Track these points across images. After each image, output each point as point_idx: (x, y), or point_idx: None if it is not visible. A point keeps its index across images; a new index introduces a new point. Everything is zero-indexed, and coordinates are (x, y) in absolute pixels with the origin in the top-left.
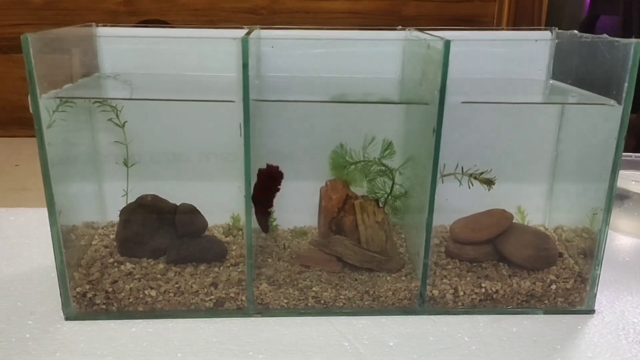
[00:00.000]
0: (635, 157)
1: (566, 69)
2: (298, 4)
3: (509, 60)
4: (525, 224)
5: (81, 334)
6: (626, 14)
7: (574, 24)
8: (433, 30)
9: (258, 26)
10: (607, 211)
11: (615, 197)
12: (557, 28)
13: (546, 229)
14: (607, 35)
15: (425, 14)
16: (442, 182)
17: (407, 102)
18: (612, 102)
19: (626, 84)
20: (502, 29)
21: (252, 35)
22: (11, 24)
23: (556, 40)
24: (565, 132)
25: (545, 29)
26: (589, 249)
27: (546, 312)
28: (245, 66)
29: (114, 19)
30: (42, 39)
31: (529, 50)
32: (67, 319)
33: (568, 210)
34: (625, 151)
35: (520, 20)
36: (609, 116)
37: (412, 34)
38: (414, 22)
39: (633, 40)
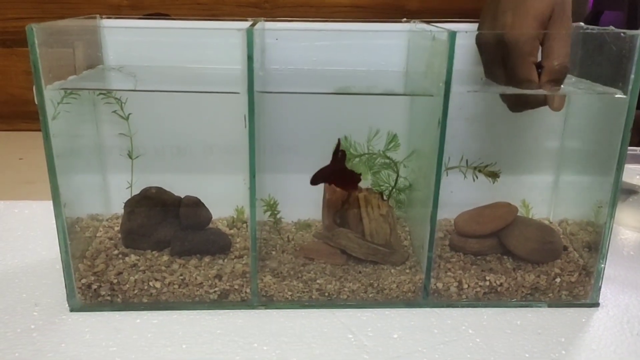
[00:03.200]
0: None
1: (572, 61)
2: None
3: None
4: (530, 217)
5: (86, 325)
6: (631, 9)
7: (578, 19)
8: (438, 23)
9: (262, 18)
10: (612, 205)
11: (621, 191)
12: None
13: (551, 222)
14: (613, 27)
15: (429, 7)
16: (447, 175)
17: (412, 94)
18: (618, 92)
19: (632, 76)
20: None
21: (257, 27)
22: (14, 17)
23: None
24: (570, 124)
25: None
26: (594, 243)
27: (550, 306)
28: (250, 58)
29: (117, 13)
30: (47, 29)
31: None
32: (72, 310)
33: (573, 203)
34: (629, 146)
35: None
36: (614, 108)
37: (417, 26)
38: (418, 16)
39: (639, 31)
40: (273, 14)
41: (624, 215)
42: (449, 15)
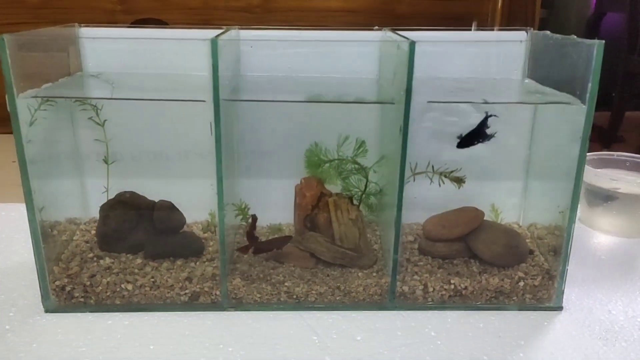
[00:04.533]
0: (617, 155)
1: (540, 68)
2: (292, 2)
3: (487, 60)
4: (499, 221)
5: (59, 326)
6: (632, 10)
7: (580, 21)
8: (420, 31)
9: (237, 26)
10: (573, 209)
11: (596, 196)
12: (532, 28)
13: (520, 227)
14: (575, 36)
15: (419, 12)
16: (414, 181)
17: (375, 102)
18: (577, 101)
19: (590, 84)
20: (482, 29)
21: (231, 35)
22: (8, 22)
23: (530, 41)
24: (537, 131)
25: (521, 29)
26: (559, 246)
27: (515, 309)
28: (215, 67)
29: (110, 18)
30: (20, 39)
31: (505, 51)
32: (46, 311)
33: (541, 208)
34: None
35: (515, 18)
36: (575, 116)
37: (387, 34)
38: (408, 21)
39: (596, 41)
40: (264, 19)
41: (598, 219)
42: (438, 19)
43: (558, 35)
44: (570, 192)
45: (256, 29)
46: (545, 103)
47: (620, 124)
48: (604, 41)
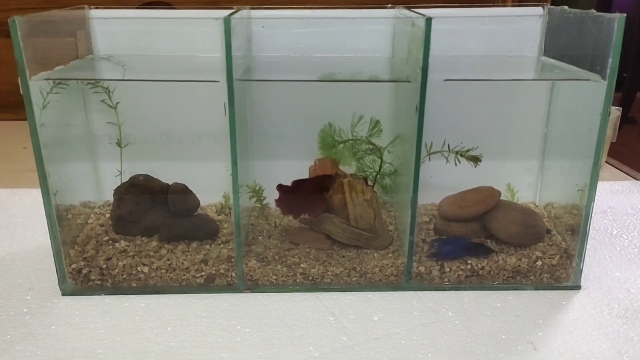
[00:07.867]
0: None
1: (557, 45)
2: None
3: (502, 37)
4: (515, 201)
5: (76, 308)
6: None
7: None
8: (433, 8)
9: (248, 6)
10: (592, 187)
11: None
12: (548, 4)
13: (536, 206)
14: (594, 10)
15: None
16: (429, 160)
17: (390, 81)
18: (597, 77)
19: (610, 60)
20: (496, 5)
21: (242, 15)
22: (18, 7)
23: (547, 16)
24: (555, 108)
25: (537, 5)
26: (577, 226)
27: (532, 289)
28: (228, 46)
29: (117, 1)
30: (31, 21)
31: (521, 27)
32: (63, 294)
33: (558, 187)
34: None
35: None
36: (594, 92)
37: (401, 12)
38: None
39: (617, 14)
40: None
41: None
42: None
43: (576, 10)
44: (590, 169)
45: (267, 8)
46: (564, 79)
47: (632, 104)
48: (625, 14)
